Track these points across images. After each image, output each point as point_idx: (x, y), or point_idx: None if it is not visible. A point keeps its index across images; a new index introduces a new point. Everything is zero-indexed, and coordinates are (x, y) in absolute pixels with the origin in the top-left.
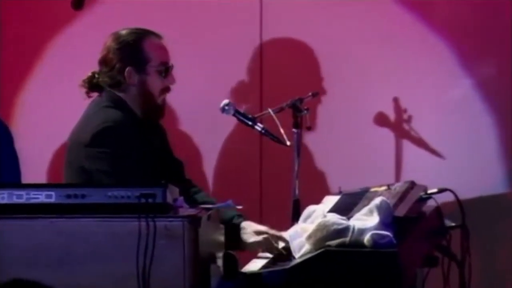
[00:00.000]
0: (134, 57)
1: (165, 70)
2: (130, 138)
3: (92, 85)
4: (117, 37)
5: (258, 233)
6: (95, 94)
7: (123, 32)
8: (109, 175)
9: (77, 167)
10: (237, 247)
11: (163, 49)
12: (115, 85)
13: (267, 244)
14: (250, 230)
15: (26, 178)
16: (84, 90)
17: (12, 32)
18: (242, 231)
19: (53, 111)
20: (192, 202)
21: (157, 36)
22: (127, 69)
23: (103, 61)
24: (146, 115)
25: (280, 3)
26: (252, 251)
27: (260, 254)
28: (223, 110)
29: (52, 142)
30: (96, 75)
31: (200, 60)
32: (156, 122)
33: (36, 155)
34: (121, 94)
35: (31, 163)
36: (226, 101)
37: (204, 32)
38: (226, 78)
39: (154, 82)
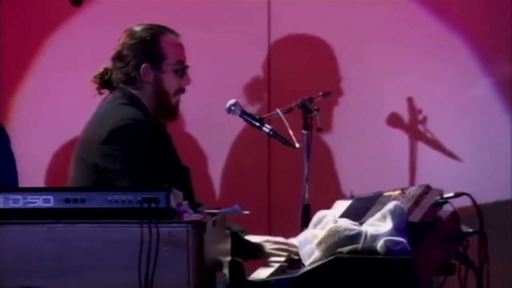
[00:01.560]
0: (150, 54)
1: (182, 69)
2: (149, 137)
3: (103, 81)
4: (132, 33)
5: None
6: (105, 91)
7: (138, 28)
8: (125, 175)
9: (91, 164)
10: (251, 255)
11: (180, 47)
12: (129, 81)
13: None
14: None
15: (23, 181)
16: (95, 86)
17: (11, 30)
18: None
19: (52, 111)
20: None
21: (174, 33)
22: (142, 65)
23: (117, 57)
24: (160, 115)
25: (288, 0)
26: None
27: (270, 260)
28: (229, 110)
29: (51, 143)
30: (108, 71)
31: (205, 59)
32: (169, 122)
33: (34, 157)
34: (135, 92)
35: (29, 165)
36: (232, 101)
37: (209, 31)
38: (233, 77)
39: (170, 81)
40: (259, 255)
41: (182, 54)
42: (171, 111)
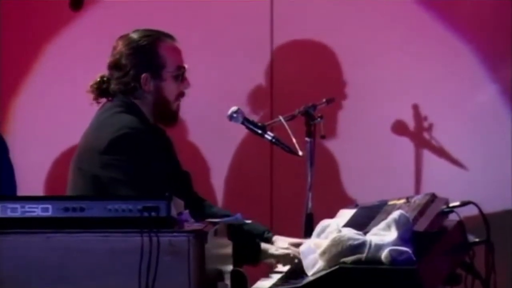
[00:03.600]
0: (150, 63)
1: (181, 74)
2: (148, 145)
3: (101, 90)
4: (129, 41)
5: (294, 245)
6: (102, 100)
7: (135, 35)
8: (127, 184)
9: (91, 175)
10: (257, 259)
11: (178, 52)
12: (129, 91)
13: (289, 259)
14: (285, 243)
15: (22, 190)
16: (92, 96)
17: (11, 35)
18: (276, 244)
19: (52, 117)
20: (211, 215)
21: (171, 38)
22: (142, 75)
23: (115, 66)
24: (160, 121)
25: (292, 3)
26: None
27: (273, 270)
28: (231, 118)
29: (51, 151)
30: (106, 80)
31: (206, 64)
32: (170, 128)
33: (33, 165)
34: (135, 101)
35: (28, 172)
36: (234, 108)
37: (210, 34)
38: (234, 83)
39: (170, 88)
40: (266, 257)
41: (180, 59)
42: (172, 117)
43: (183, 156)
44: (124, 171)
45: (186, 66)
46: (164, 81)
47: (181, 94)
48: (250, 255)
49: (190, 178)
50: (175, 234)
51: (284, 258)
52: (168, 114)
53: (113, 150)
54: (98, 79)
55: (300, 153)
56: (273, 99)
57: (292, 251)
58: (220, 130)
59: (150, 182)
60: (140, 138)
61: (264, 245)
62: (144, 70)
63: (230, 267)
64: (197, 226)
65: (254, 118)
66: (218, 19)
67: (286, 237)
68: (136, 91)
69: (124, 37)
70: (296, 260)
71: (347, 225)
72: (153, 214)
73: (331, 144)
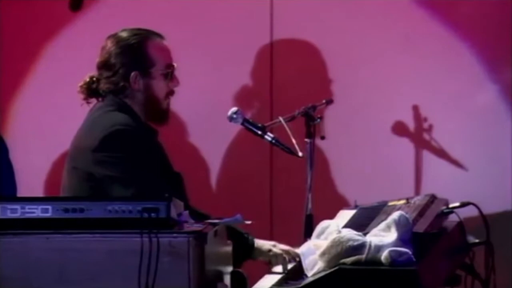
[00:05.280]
0: (139, 61)
1: (170, 72)
2: (142, 142)
3: (91, 90)
4: (118, 40)
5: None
6: (93, 100)
7: (124, 34)
8: (121, 181)
9: (85, 173)
10: (248, 256)
11: (167, 51)
12: (119, 91)
13: (281, 259)
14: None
15: (22, 191)
16: (82, 96)
17: (11, 37)
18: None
19: (52, 119)
20: (198, 215)
21: (160, 36)
22: (132, 74)
23: (104, 66)
24: (151, 120)
25: (292, 3)
26: (264, 259)
27: (272, 270)
28: (231, 118)
29: (51, 152)
30: (95, 80)
31: (206, 64)
32: (161, 126)
33: (33, 166)
34: (125, 100)
35: (28, 174)
36: (234, 109)
37: (209, 34)
38: (234, 83)
39: (160, 86)
40: (260, 255)
41: (169, 57)
42: (162, 116)
43: (182, 156)
44: (117, 167)
45: (175, 64)
46: (154, 79)
47: (170, 93)
48: (242, 253)
49: (182, 179)
50: (175, 235)
51: (276, 259)
52: (158, 112)
53: (106, 147)
54: (88, 79)
55: (300, 154)
56: (273, 100)
57: (282, 250)
58: (219, 131)
59: (143, 179)
60: (132, 134)
61: (257, 243)
62: (133, 68)
63: (230, 268)
64: (196, 227)
65: (254, 118)
66: (218, 19)
67: (277, 242)
68: (126, 90)
69: (113, 36)
70: (288, 261)
71: (347, 226)
72: (153, 215)
73: (331, 145)
